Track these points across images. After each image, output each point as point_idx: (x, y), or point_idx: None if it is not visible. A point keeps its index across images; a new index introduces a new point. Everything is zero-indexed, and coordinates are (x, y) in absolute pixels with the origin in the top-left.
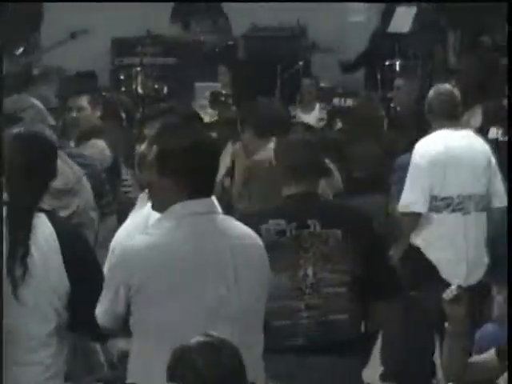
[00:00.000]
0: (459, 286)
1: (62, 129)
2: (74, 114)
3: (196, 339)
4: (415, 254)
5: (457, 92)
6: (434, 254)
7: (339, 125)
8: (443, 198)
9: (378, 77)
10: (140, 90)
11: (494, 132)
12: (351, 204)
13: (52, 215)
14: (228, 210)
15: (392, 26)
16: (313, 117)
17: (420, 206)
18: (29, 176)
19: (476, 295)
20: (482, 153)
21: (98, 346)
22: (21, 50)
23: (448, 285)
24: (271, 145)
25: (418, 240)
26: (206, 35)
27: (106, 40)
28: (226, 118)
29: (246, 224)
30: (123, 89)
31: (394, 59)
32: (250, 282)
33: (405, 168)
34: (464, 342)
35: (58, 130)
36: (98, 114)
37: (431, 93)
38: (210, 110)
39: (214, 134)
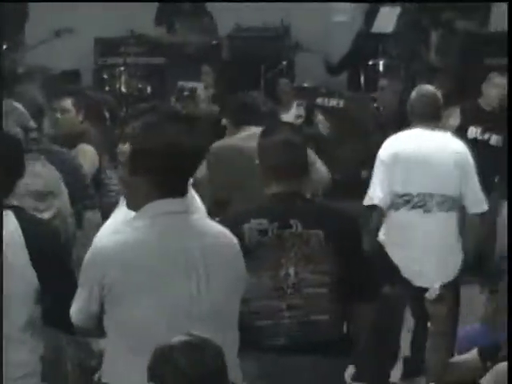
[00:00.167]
0: (442, 286)
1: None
2: (58, 116)
3: (178, 338)
4: (380, 250)
5: (439, 93)
6: (393, 251)
7: (319, 118)
8: (403, 195)
9: (362, 77)
10: (124, 90)
11: (473, 131)
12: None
13: (18, 211)
14: None
15: (376, 26)
16: (291, 115)
17: (379, 200)
18: None
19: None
20: (454, 155)
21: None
22: (4, 47)
23: (408, 283)
24: (242, 134)
25: (381, 236)
26: (190, 36)
27: (90, 40)
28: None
29: (229, 223)
30: (107, 88)
31: (378, 59)
32: (221, 281)
33: None
34: (446, 342)
35: (41, 130)
36: (81, 118)
37: (413, 94)
38: None
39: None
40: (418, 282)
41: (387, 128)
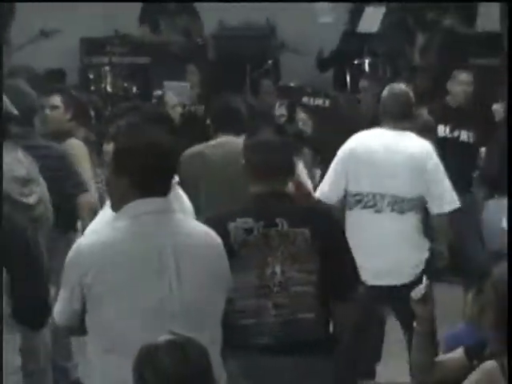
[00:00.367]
0: (427, 285)
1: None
2: (48, 112)
3: (163, 338)
4: None
5: (411, 92)
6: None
7: (301, 116)
8: (355, 194)
9: (347, 77)
10: (109, 89)
11: (442, 130)
12: (319, 204)
13: None
14: None
15: (361, 25)
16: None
17: (330, 198)
18: None
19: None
20: (411, 156)
21: None
22: None
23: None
24: (212, 141)
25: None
26: (175, 36)
27: (75, 39)
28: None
29: (214, 222)
30: (92, 88)
31: (363, 58)
32: (196, 281)
33: None
34: (432, 341)
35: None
36: (69, 116)
37: (385, 92)
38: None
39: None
40: (371, 282)
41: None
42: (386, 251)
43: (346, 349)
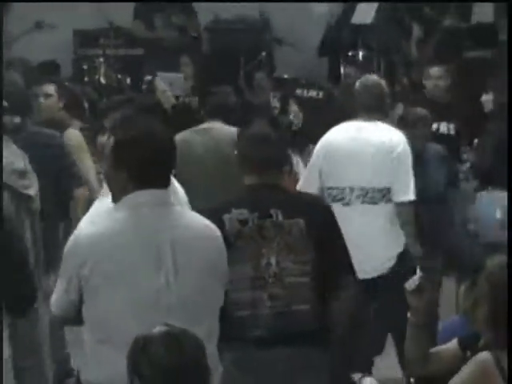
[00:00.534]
0: (421, 277)
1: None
2: (42, 100)
3: (158, 329)
4: None
5: (384, 84)
6: None
7: (293, 108)
8: (328, 188)
9: (342, 68)
10: (103, 81)
11: None
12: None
13: None
14: None
15: (355, 17)
16: None
17: (299, 187)
18: None
19: (381, 289)
20: (380, 146)
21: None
22: None
23: None
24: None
25: None
26: (169, 33)
27: (69, 31)
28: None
29: (209, 213)
30: (86, 79)
31: (357, 50)
32: (193, 273)
33: None
34: (426, 333)
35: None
36: (61, 105)
37: (357, 84)
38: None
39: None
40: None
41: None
42: (355, 245)
43: (341, 341)
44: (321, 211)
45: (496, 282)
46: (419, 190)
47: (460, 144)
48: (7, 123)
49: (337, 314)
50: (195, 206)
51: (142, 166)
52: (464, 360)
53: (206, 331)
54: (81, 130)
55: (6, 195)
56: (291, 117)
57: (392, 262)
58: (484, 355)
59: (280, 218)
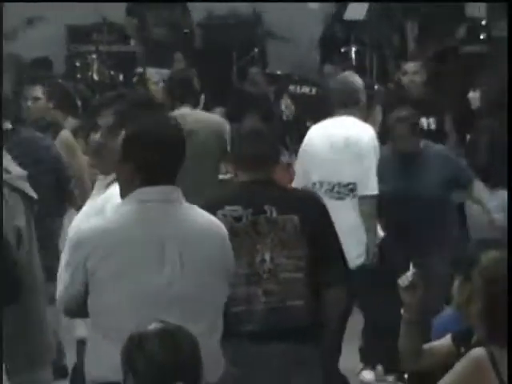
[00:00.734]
0: (414, 273)
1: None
2: (29, 104)
3: (153, 326)
4: None
5: (356, 79)
6: None
7: (286, 102)
8: (312, 184)
9: (336, 63)
10: (96, 77)
11: None
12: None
13: None
14: None
15: (347, 13)
16: None
17: (295, 184)
18: None
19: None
20: (346, 142)
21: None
22: None
23: None
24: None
25: None
26: (161, 30)
27: (62, 27)
28: None
29: (203, 210)
30: (79, 76)
31: (350, 46)
32: (198, 271)
33: None
34: (419, 329)
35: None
36: (51, 105)
37: (333, 81)
38: None
39: None
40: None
41: None
42: None
43: (332, 336)
44: (314, 207)
45: (490, 277)
46: (416, 191)
47: (443, 139)
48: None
49: (330, 309)
50: None
51: (150, 161)
52: (458, 356)
53: (208, 327)
54: (75, 128)
55: (16, 198)
56: (283, 107)
57: (363, 258)
58: (478, 351)
59: (274, 214)
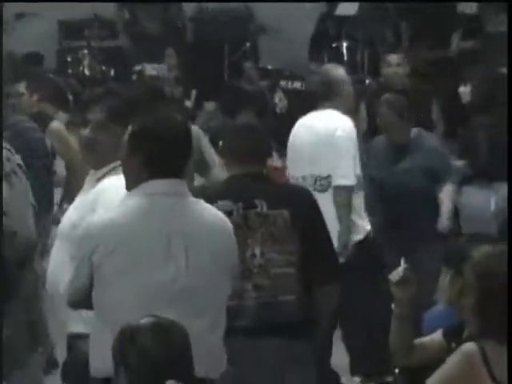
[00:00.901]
0: (406, 268)
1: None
2: (14, 101)
3: (145, 320)
4: None
5: (337, 71)
6: None
7: (279, 96)
8: (297, 179)
9: (325, 59)
10: (87, 73)
11: None
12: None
13: None
14: None
15: (339, 8)
16: None
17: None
18: None
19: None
20: (323, 134)
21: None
22: None
23: None
24: None
25: None
26: (152, 25)
27: (53, 23)
28: None
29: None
30: (70, 71)
31: (341, 42)
32: (203, 265)
33: None
34: (410, 324)
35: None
36: (36, 98)
37: (317, 75)
38: None
39: None
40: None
41: None
42: None
43: (324, 331)
44: (305, 202)
45: (483, 272)
46: (400, 182)
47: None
48: None
49: (322, 305)
50: None
51: (157, 154)
52: (449, 351)
53: (212, 322)
54: (66, 123)
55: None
56: (276, 100)
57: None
58: (469, 346)
59: (265, 208)
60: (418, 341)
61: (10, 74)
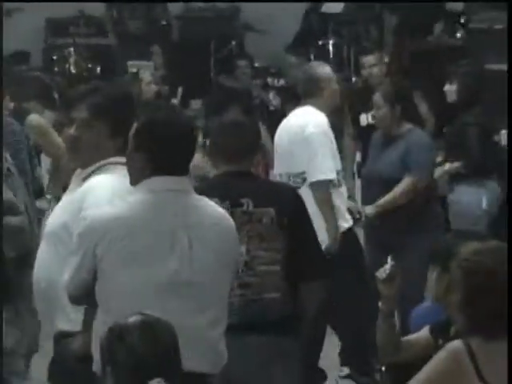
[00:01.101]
0: (392, 265)
1: None
2: None
3: (133, 318)
4: None
5: (319, 69)
6: None
7: (271, 94)
8: (275, 177)
9: (312, 56)
10: (73, 70)
11: (365, 118)
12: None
13: None
14: None
15: (325, 6)
16: None
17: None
18: None
19: None
20: (296, 131)
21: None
22: None
23: None
24: None
25: None
26: (139, 24)
27: (40, 20)
28: None
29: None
30: (56, 69)
31: (327, 39)
32: (206, 261)
33: None
34: (397, 321)
35: None
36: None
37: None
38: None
39: None
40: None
41: None
42: None
43: (311, 329)
44: (291, 200)
45: (470, 268)
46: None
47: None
48: None
49: (308, 301)
50: None
51: (162, 151)
52: (436, 348)
53: (214, 317)
54: (55, 122)
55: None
56: (271, 97)
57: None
58: (455, 343)
59: (250, 206)
60: (405, 338)
61: None
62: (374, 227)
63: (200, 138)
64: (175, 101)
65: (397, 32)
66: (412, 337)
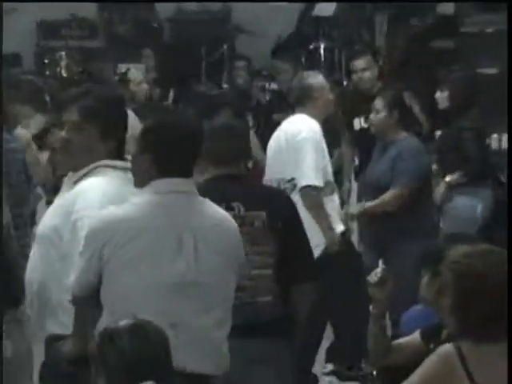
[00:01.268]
0: (384, 269)
1: None
2: None
3: (124, 322)
4: None
5: (311, 78)
6: None
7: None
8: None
9: (303, 60)
10: (64, 74)
11: (358, 122)
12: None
13: None
14: None
15: (317, 9)
16: None
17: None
18: None
19: None
20: (286, 138)
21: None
22: None
23: None
24: None
25: None
26: (129, 26)
27: (31, 23)
28: None
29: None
30: (47, 72)
31: (319, 42)
32: (211, 263)
33: None
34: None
35: None
36: None
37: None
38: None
39: None
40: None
41: None
42: None
43: (303, 332)
44: (282, 204)
45: (461, 271)
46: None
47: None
48: None
49: (300, 303)
50: None
51: (168, 153)
52: (427, 352)
53: (219, 319)
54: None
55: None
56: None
57: (319, 250)
58: (446, 347)
59: (242, 210)
60: (395, 342)
61: None
62: (366, 231)
63: None
64: (167, 103)
65: (389, 35)
66: (403, 340)
